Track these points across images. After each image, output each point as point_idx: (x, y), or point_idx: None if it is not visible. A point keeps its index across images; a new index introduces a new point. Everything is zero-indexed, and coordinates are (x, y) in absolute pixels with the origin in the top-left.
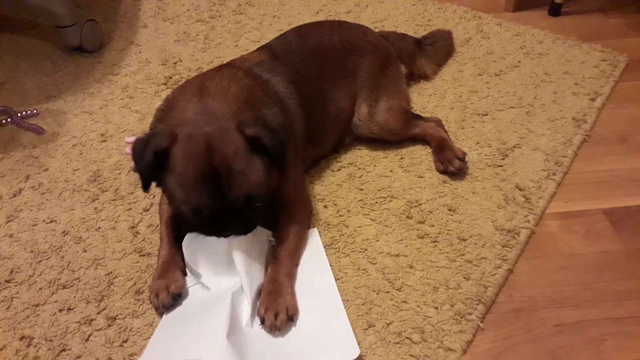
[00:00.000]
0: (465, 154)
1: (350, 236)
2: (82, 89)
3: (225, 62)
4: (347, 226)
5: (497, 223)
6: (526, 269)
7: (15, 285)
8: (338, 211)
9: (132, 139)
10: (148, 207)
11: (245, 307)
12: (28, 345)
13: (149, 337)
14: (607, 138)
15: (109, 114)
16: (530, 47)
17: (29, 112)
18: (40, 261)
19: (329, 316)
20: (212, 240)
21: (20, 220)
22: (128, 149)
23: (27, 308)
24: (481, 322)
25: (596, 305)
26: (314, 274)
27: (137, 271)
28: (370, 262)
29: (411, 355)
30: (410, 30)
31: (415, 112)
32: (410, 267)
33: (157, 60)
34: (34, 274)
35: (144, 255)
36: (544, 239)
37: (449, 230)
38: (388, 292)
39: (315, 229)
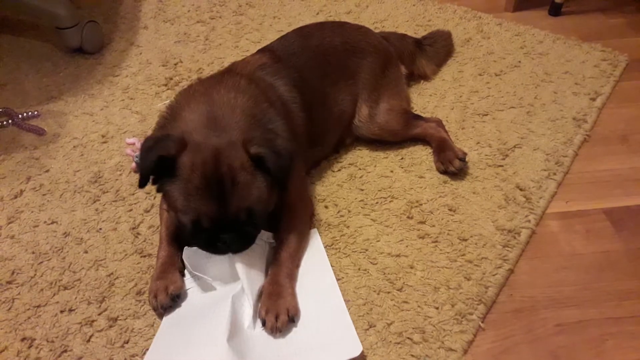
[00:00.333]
0: (465, 154)
1: (351, 236)
2: (83, 90)
3: (225, 63)
4: (348, 226)
5: (497, 223)
6: (527, 269)
7: (17, 287)
8: (339, 211)
9: (132, 140)
10: (149, 208)
11: (247, 309)
12: (29, 347)
13: (151, 338)
14: (607, 138)
15: (109, 115)
16: (531, 47)
17: (29, 113)
18: (41, 262)
19: (330, 315)
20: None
21: (22, 222)
22: (129, 150)
23: (29, 309)
24: (482, 322)
25: (597, 305)
26: (315, 273)
27: (138, 272)
28: (371, 263)
29: (412, 356)
30: (410, 30)
31: (416, 113)
32: (411, 268)
33: (158, 61)
34: (35, 275)
35: (145, 256)
36: (544, 238)
37: (449, 230)
38: (389, 292)
39: (315, 230)
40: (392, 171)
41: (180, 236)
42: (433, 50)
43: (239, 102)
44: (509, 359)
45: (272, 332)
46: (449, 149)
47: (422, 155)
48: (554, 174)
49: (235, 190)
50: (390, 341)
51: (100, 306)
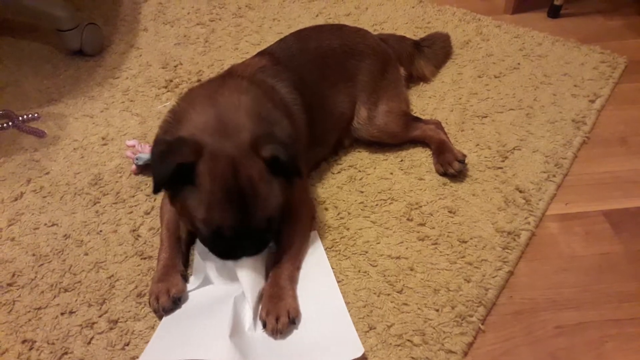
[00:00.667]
0: (465, 156)
1: (351, 239)
2: (83, 93)
3: (225, 65)
4: (348, 229)
5: (497, 225)
6: (526, 271)
7: (17, 289)
8: (338, 213)
9: (132, 142)
10: (149, 210)
11: (248, 312)
12: (30, 349)
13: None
14: (606, 140)
15: (109, 117)
16: (530, 49)
17: (30, 115)
18: (41, 264)
19: (331, 317)
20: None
21: (22, 224)
22: (129, 152)
23: (29, 311)
24: (482, 324)
25: (596, 307)
26: (316, 276)
27: (139, 274)
28: (371, 265)
29: (412, 358)
30: (409, 32)
31: (415, 115)
32: (411, 270)
33: (158, 64)
34: (35, 277)
35: (145, 259)
36: (544, 240)
37: (449, 232)
38: (389, 294)
39: (315, 232)
40: (391, 173)
41: (181, 239)
42: (431, 52)
43: (244, 102)
44: None
45: (272, 334)
46: (448, 151)
47: (422, 157)
48: (554, 176)
49: (258, 202)
50: (391, 343)
51: (100, 308)
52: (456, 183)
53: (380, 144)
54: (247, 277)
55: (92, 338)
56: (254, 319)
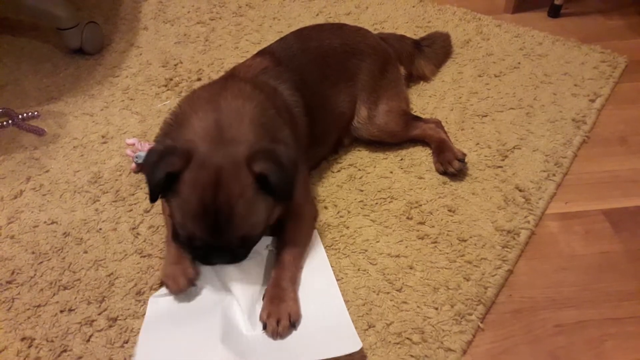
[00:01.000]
0: (465, 155)
1: (351, 237)
2: (83, 91)
3: (225, 64)
4: (348, 227)
5: (497, 224)
6: (526, 270)
7: (17, 287)
8: (338, 212)
9: (132, 140)
10: (149, 208)
11: (240, 317)
12: (29, 346)
13: None
14: (606, 139)
15: (109, 115)
16: (530, 48)
17: (29, 113)
18: (41, 262)
19: (330, 313)
20: None
21: (21, 222)
22: (129, 151)
23: (28, 309)
24: (481, 322)
25: (596, 305)
26: (315, 274)
27: (138, 272)
28: (371, 263)
29: (411, 356)
30: (410, 32)
31: (415, 114)
32: (411, 268)
33: (158, 62)
34: (35, 275)
35: (144, 257)
36: (543, 239)
37: (449, 231)
38: (388, 292)
39: (315, 230)
40: (391, 172)
41: None
42: (431, 51)
43: (247, 110)
44: None
45: (272, 337)
46: (448, 150)
47: (422, 156)
48: (553, 175)
49: (232, 221)
50: (390, 341)
51: (100, 306)
52: (456, 182)
53: (380, 143)
54: (237, 281)
55: (91, 335)
56: (249, 319)
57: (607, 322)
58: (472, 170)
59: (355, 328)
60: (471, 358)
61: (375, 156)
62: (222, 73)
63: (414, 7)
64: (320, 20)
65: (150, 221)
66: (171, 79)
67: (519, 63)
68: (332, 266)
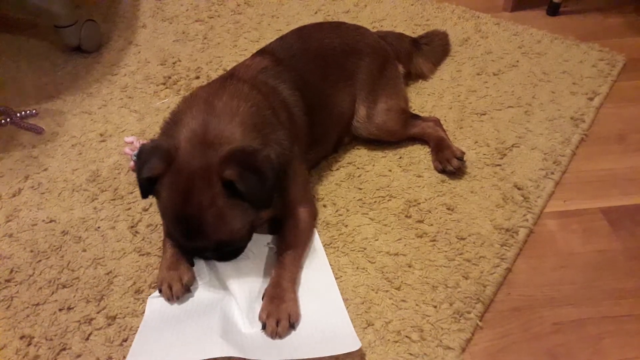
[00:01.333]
0: (463, 153)
1: (349, 235)
2: (81, 89)
3: (224, 62)
4: (346, 225)
5: (495, 222)
6: (524, 268)
7: (15, 285)
8: (337, 210)
9: (131, 138)
10: (147, 206)
11: (238, 316)
12: (28, 345)
13: None
14: (605, 137)
15: (108, 113)
16: (529, 46)
17: (28, 112)
18: (40, 261)
19: (329, 312)
20: None
21: (20, 220)
22: (127, 149)
23: (27, 307)
24: (480, 320)
25: (594, 303)
26: (314, 272)
27: (137, 270)
28: (369, 261)
29: (410, 354)
30: (408, 30)
31: (414, 112)
32: (409, 266)
33: (156, 60)
34: (33, 273)
35: (143, 255)
36: (542, 237)
37: (447, 229)
38: (387, 291)
39: (314, 229)
40: (390, 170)
41: None
42: (430, 49)
43: (241, 110)
44: (506, 358)
45: (272, 337)
46: (447, 148)
47: (421, 154)
48: (552, 173)
49: (203, 229)
50: (389, 339)
51: (98, 304)
52: (454, 180)
53: (379, 142)
54: (235, 280)
55: (90, 334)
56: (248, 317)
57: (605, 320)
58: (471, 168)
59: (354, 326)
60: (470, 356)
61: (374, 154)
62: (220, 71)
63: (412, 5)
64: (319, 18)
65: (149, 219)
66: (170, 77)
67: (518, 61)
68: (331, 264)
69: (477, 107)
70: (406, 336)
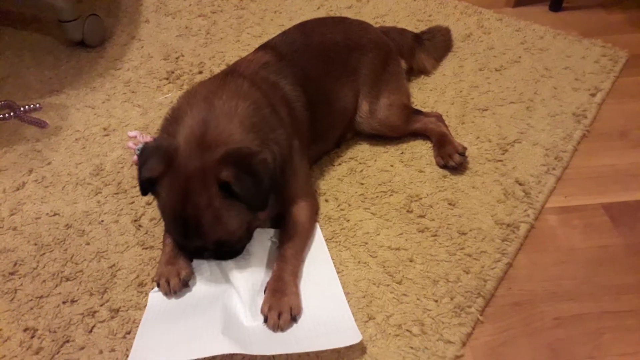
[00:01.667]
0: (465, 148)
1: (351, 230)
2: (85, 84)
3: (226, 57)
4: (348, 220)
5: (496, 217)
6: (525, 263)
7: (19, 278)
8: (339, 205)
9: (134, 133)
10: (151, 200)
11: (240, 308)
12: (32, 337)
13: None
14: (607, 133)
15: (111, 108)
16: (531, 42)
17: (31, 106)
18: (43, 254)
19: (330, 306)
20: None
21: (24, 214)
22: (130, 143)
23: (31, 300)
24: (480, 315)
25: (594, 299)
26: (316, 266)
27: (140, 264)
28: (371, 256)
29: (411, 348)
30: (411, 25)
31: (416, 107)
32: (411, 261)
33: (159, 55)
34: (37, 266)
35: (146, 248)
36: (543, 233)
37: (449, 224)
38: (388, 285)
39: (317, 223)
40: (392, 165)
41: None
42: (432, 45)
43: (240, 110)
44: (507, 352)
45: (273, 330)
46: (448, 144)
47: (422, 149)
48: (553, 168)
49: (200, 230)
50: (390, 333)
51: (102, 297)
52: (456, 175)
53: (381, 137)
54: (237, 272)
55: (93, 326)
56: (250, 310)
57: (605, 316)
58: (473, 163)
59: (355, 320)
60: (470, 350)
61: (375, 150)
62: (223, 66)
63: (415, 0)
64: (322, 13)
65: (152, 213)
66: (172, 72)
67: (520, 57)
68: (332, 259)
69: (479, 102)
70: (407, 330)
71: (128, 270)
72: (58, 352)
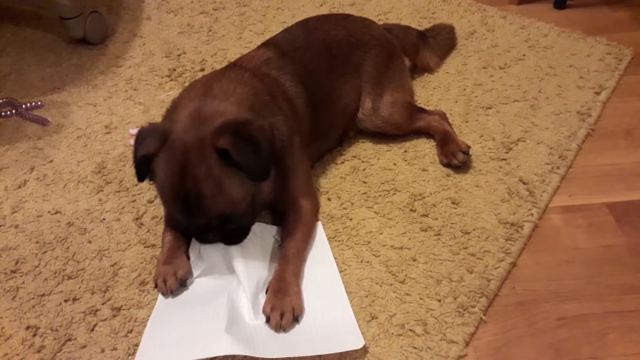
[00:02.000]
0: (469, 147)
1: (354, 229)
2: (86, 81)
3: (229, 54)
4: (351, 219)
5: (500, 216)
6: (529, 263)
7: (21, 276)
8: (342, 204)
9: (136, 130)
10: (152, 198)
11: (245, 304)
12: (34, 335)
13: None
14: (611, 132)
15: (113, 105)
16: (535, 40)
17: (33, 103)
18: (45, 252)
19: (333, 308)
20: None
21: (26, 212)
22: (132, 141)
23: (33, 298)
24: (484, 314)
25: (598, 298)
26: (319, 266)
27: (142, 262)
28: (374, 255)
29: (414, 347)
30: (414, 23)
31: (420, 106)
32: (414, 260)
33: (161, 53)
34: (39, 264)
35: (148, 247)
36: (547, 232)
37: (452, 223)
38: (391, 284)
39: (319, 222)
40: (395, 164)
41: None
42: (436, 43)
43: (238, 92)
44: (510, 352)
45: (276, 330)
46: (452, 142)
47: (426, 148)
48: (558, 167)
49: (202, 203)
50: (392, 333)
51: (104, 296)
52: (460, 174)
53: (384, 135)
54: (243, 266)
55: (95, 325)
56: (253, 308)
57: (609, 316)
58: (476, 162)
59: (358, 319)
60: (473, 350)
61: (379, 148)
62: (225, 63)
63: None
64: (325, 10)
65: (154, 212)
66: (174, 69)
67: (524, 55)
68: (335, 258)
69: (482, 100)
70: (410, 330)
71: (130, 269)
72: (60, 351)
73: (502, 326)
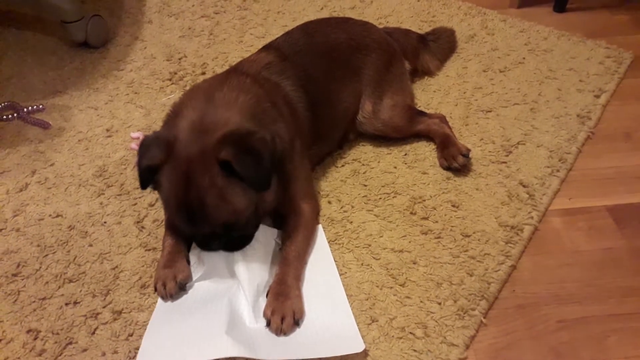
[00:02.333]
0: (469, 150)
1: (354, 232)
2: (88, 85)
3: (230, 58)
4: (351, 222)
5: (500, 219)
6: (529, 266)
7: (22, 279)
8: (342, 207)
9: (137, 134)
10: (153, 202)
11: (245, 306)
12: (35, 339)
13: None
14: (611, 135)
15: (114, 109)
16: (535, 43)
17: (34, 107)
18: (46, 255)
19: (333, 311)
20: None
21: (27, 215)
22: (133, 145)
23: (34, 302)
24: (484, 317)
25: (599, 301)
26: (319, 269)
27: (143, 265)
28: (374, 258)
29: (414, 350)
30: (414, 26)
31: (420, 109)
32: (414, 263)
33: (162, 56)
34: (40, 267)
35: (149, 250)
36: (547, 235)
37: (452, 226)
38: (391, 287)
39: (320, 225)
40: (395, 167)
41: None
42: (437, 46)
43: (240, 100)
44: (510, 355)
45: (276, 333)
46: (452, 145)
47: (426, 151)
48: (557, 170)
49: (205, 213)
50: (393, 336)
51: (105, 299)
52: (460, 177)
53: (385, 138)
54: (244, 269)
55: (96, 328)
56: (254, 311)
57: (610, 318)
58: (476, 165)
59: (359, 322)
60: (474, 353)
61: (379, 151)
62: (226, 67)
63: (418, 1)
64: (325, 14)
65: (155, 215)
66: (175, 73)
67: (524, 58)
68: (335, 261)
69: (482, 104)
70: (410, 333)
71: (131, 272)
72: (61, 354)
73: (503, 329)
